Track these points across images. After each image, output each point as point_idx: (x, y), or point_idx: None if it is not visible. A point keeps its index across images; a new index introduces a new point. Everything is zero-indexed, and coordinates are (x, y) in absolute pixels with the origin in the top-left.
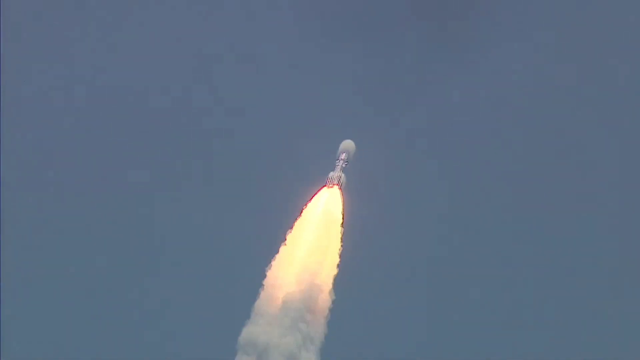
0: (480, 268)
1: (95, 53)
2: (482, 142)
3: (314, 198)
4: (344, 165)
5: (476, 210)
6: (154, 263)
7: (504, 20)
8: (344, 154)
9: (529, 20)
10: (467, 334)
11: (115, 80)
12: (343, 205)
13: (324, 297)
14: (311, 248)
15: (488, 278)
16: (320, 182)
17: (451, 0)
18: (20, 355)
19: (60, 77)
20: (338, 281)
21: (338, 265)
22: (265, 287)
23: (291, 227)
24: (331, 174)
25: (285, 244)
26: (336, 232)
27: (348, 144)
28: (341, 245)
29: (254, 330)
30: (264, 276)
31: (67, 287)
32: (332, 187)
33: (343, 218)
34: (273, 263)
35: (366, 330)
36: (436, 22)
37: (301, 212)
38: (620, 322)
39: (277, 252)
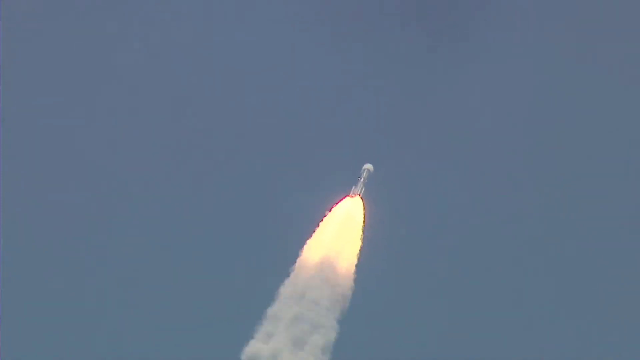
0: (488, 267)
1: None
2: (494, 153)
3: (339, 203)
4: (365, 182)
5: (483, 212)
6: (160, 263)
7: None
8: (365, 173)
9: (534, 21)
10: (476, 334)
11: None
12: (364, 210)
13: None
14: (336, 237)
15: (498, 277)
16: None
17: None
18: (20, 356)
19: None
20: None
21: (358, 256)
22: (298, 261)
23: (319, 224)
24: (354, 187)
25: (314, 235)
26: (358, 229)
27: (368, 166)
28: (362, 240)
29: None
30: (298, 254)
31: (67, 287)
32: (354, 196)
33: (364, 221)
34: (304, 248)
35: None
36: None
37: (329, 212)
38: (620, 322)
39: (308, 239)
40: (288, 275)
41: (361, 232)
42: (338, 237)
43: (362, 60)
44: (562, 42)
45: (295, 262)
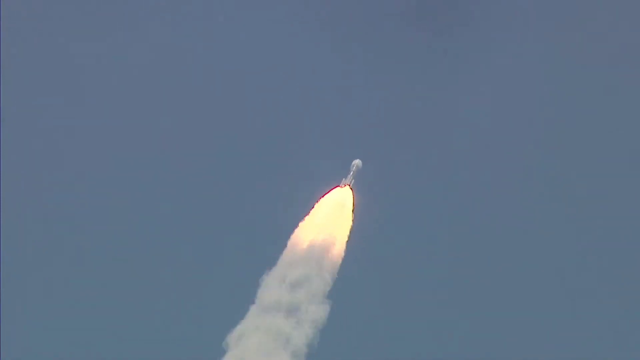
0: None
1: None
2: (491, 152)
3: (330, 192)
4: (354, 175)
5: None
6: (161, 259)
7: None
8: (354, 167)
9: (533, 20)
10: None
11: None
12: (353, 199)
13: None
14: (327, 219)
15: (483, 267)
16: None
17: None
18: (20, 356)
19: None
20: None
21: (348, 238)
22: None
23: (311, 209)
24: (344, 179)
25: (306, 219)
26: (348, 213)
27: (357, 162)
28: (351, 224)
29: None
30: (291, 233)
31: (67, 287)
32: (344, 187)
33: (353, 209)
34: (296, 230)
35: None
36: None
37: (320, 199)
38: (620, 323)
39: (300, 221)
40: (278, 256)
41: (351, 217)
42: (328, 219)
43: (361, 58)
44: (562, 41)
45: (286, 243)
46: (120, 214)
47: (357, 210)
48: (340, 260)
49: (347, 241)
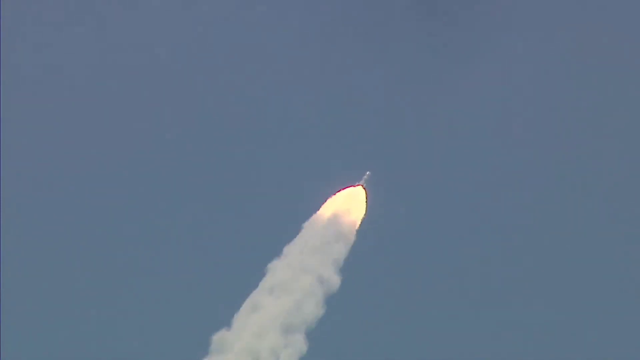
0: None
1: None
2: (496, 151)
3: (343, 190)
4: (366, 180)
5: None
6: (167, 255)
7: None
8: (366, 175)
9: (534, 19)
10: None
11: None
12: (366, 196)
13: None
14: (341, 206)
15: (491, 269)
16: None
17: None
18: (20, 356)
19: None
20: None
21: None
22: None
23: (325, 201)
24: (357, 183)
25: (322, 208)
26: (361, 205)
27: (368, 173)
28: (364, 215)
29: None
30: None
31: (67, 287)
32: (357, 186)
33: (366, 206)
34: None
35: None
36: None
37: (334, 194)
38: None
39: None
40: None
41: (364, 210)
42: (343, 206)
43: (364, 59)
44: (565, 41)
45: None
46: (122, 214)
47: (369, 208)
48: (356, 227)
49: (362, 217)
